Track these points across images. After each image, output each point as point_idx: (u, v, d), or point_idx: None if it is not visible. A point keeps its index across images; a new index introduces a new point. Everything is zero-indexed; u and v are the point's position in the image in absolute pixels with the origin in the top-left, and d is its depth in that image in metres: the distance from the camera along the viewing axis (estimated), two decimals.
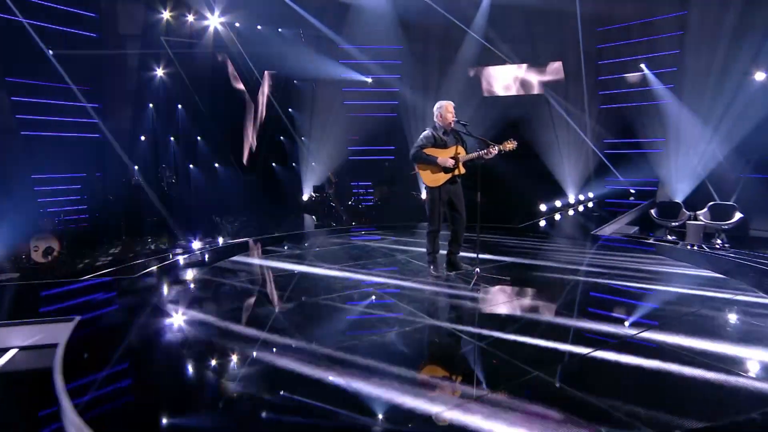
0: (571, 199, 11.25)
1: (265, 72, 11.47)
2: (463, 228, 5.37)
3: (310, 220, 10.57)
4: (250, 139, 11.66)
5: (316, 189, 11.58)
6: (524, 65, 11.62)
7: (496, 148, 4.88)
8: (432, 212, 5.26)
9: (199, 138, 10.72)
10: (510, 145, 4.87)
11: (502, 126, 10.55)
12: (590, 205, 10.88)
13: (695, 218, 8.60)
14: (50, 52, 8.41)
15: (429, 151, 5.19)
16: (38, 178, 8.47)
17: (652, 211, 9.11)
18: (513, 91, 11.75)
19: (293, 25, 10.70)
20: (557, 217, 10.60)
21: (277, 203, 11.24)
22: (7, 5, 7.73)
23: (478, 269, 5.02)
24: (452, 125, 5.22)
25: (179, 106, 10.35)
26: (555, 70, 11.46)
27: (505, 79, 11.84)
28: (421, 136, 5.28)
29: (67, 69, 8.55)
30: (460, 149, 5.17)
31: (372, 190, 12.16)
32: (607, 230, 9.24)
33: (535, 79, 11.64)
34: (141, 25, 9.42)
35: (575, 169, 11.30)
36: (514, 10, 10.53)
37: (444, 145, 5.20)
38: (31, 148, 8.28)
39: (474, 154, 5.07)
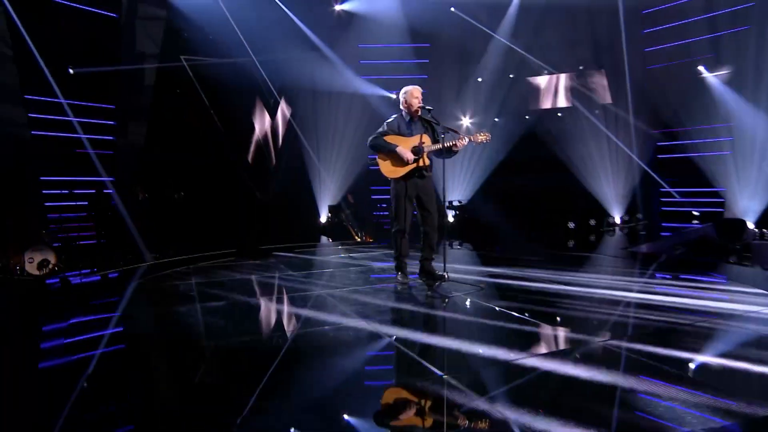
0: (616, 219, 9.97)
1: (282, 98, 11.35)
2: (434, 229, 4.79)
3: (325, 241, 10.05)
4: (270, 158, 11.49)
5: (332, 209, 11.08)
6: (564, 74, 10.73)
7: (466, 139, 4.52)
8: (396, 209, 4.75)
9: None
10: (482, 137, 4.52)
11: (532, 140, 9.78)
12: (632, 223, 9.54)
13: (762, 237, 7.11)
14: (70, 70, 8.69)
15: (390, 139, 4.72)
16: (48, 194, 8.62)
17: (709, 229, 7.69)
18: (558, 104, 10.83)
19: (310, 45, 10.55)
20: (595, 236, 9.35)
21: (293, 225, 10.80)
22: (28, 23, 8.10)
23: (447, 274, 4.60)
24: (419, 112, 4.75)
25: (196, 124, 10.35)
26: (597, 78, 10.46)
27: (548, 90, 10.99)
28: (384, 123, 4.82)
29: (85, 86, 8.79)
30: (426, 138, 4.66)
31: None
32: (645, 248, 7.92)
33: (577, 88, 10.69)
34: (159, 42, 9.60)
35: (618, 185, 10.05)
36: (544, 12, 9.77)
37: (409, 134, 4.75)
38: (43, 161, 8.47)
39: (440, 145, 4.60)
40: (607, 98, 10.30)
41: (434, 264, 4.85)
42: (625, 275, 5.71)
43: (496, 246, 8.53)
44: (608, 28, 9.84)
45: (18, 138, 8.27)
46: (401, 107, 4.83)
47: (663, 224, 10.00)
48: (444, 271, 4.66)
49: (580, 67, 10.71)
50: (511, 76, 11.26)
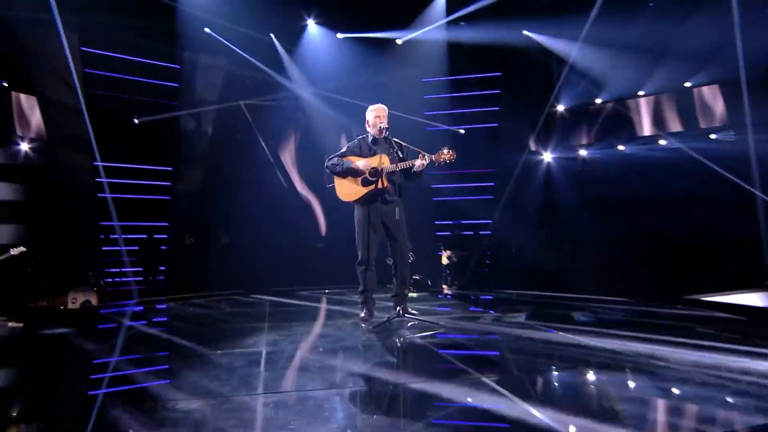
0: None
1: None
2: (403, 260, 4.45)
3: None
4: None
5: None
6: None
7: (427, 158, 4.19)
8: (358, 238, 4.44)
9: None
10: (447, 155, 4.16)
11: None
12: None
13: None
14: (135, 120, 9.13)
15: (351, 159, 4.47)
16: (105, 239, 8.94)
17: None
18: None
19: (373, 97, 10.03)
20: None
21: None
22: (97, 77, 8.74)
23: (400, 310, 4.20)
24: (383, 133, 4.42)
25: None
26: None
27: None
28: (346, 145, 4.70)
29: (147, 135, 9.16)
30: (385, 159, 4.32)
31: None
32: None
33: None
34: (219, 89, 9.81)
35: None
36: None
37: (371, 155, 4.47)
38: (103, 207, 8.85)
39: (400, 165, 4.25)
40: None
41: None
42: None
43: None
44: None
45: (85, 184, 8.76)
46: (366, 127, 4.60)
47: None
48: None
49: None
50: (598, 101, 9.72)
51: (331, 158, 4.48)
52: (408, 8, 9.25)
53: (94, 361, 3.75)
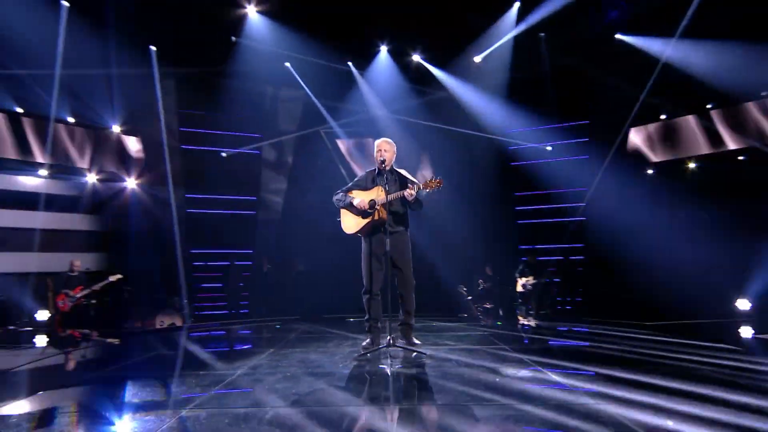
0: None
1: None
2: (408, 289, 4.45)
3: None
4: None
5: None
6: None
7: (416, 187, 4.23)
8: (363, 268, 4.51)
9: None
10: (434, 183, 4.16)
11: None
12: None
13: None
14: (223, 154, 9.83)
15: (353, 194, 4.59)
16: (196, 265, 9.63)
17: None
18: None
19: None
20: None
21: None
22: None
23: (391, 339, 4.13)
24: (383, 165, 4.52)
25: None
26: None
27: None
28: (356, 178, 4.82)
29: (231, 170, 9.81)
30: (381, 191, 4.36)
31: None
32: None
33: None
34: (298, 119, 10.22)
35: None
36: None
37: (372, 188, 4.53)
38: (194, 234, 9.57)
39: (391, 195, 4.29)
40: None
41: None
42: None
43: None
44: None
45: (179, 216, 9.54)
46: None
47: None
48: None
49: None
50: None
51: (337, 193, 4.61)
52: (477, 25, 8.76)
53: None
